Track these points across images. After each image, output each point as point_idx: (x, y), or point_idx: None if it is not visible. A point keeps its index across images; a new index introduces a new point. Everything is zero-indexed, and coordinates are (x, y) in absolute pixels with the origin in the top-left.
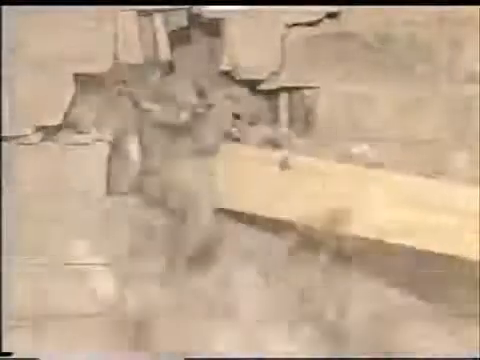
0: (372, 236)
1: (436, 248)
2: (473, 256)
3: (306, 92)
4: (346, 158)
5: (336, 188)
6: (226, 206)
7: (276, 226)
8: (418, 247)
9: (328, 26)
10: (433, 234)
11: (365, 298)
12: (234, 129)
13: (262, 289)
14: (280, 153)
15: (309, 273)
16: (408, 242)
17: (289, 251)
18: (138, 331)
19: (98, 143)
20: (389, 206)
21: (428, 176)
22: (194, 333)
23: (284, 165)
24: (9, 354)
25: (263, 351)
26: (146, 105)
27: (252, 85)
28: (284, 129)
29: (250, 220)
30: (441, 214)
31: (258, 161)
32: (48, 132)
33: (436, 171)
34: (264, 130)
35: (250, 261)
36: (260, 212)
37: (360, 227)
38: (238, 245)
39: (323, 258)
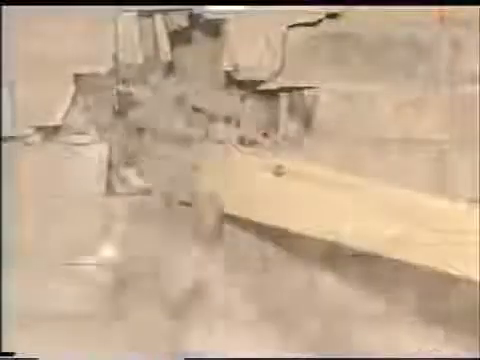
0: (365, 248)
1: (432, 264)
2: (472, 275)
3: (306, 92)
4: (345, 160)
5: (330, 196)
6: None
7: (270, 231)
8: (413, 262)
9: (328, 26)
10: (429, 250)
11: (354, 303)
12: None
13: (255, 291)
14: (275, 160)
15: (298, 277)
16: (402, 256)
17: (281, 255)
18: (137, 331)
19: (98, 143)
20: (384, 219)
21: (427, 189)
22: (191, 333)
23: (278, 172)
24: (9, 354)
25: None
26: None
27: (252, 85)
28: (284, 129)
29: (246, 224)
30: (439, 230)
31: (254, 166)
32: (48, 132)
33: (436, 172)
34: (264, 131)
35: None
36: (254, 218)
37: (353, 238)
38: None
39: (312, 263)
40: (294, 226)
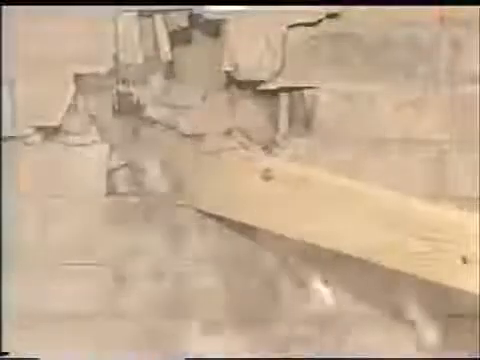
0: (357, 254)
1: (424, 273)
2: (466, 285)
3: (306, 92)
4: (345, 160)
5: (323, 200)
6: (214, 212)
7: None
8: (404, 270)
9: (328, 26)
10: (421, 258)
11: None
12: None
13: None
14: (263, 163)
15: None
16: (394, 265)
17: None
18: (137, 331)
19: (98, 143)
20: (377, 225)
21: (426, 189)
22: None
23: (266, 176)
24: (4, 354)
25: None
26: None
27: (252, 86)
28: (284, 129)
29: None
30: (432, 238)
31: (246, 169)
32: (48, 132)
33: (436, 172)
34: (263, 131)
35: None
36: (244, 220)
37: (345, 244)
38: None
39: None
40: (287, 231)
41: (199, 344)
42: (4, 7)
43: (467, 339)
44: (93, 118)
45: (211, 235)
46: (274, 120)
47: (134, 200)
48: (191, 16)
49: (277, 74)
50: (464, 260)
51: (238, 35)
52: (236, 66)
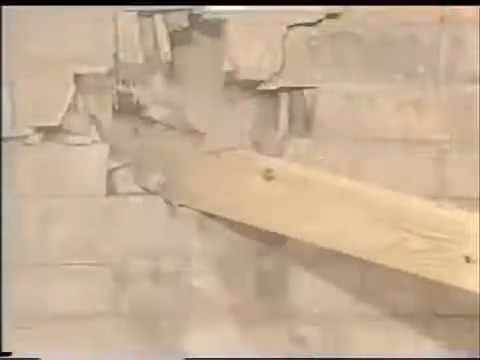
0: (357, 254)
1: (425, 272)
2: (467, 284)
3: (306, 92)
4: (345, 160)
5: (325, 201)
6: (214, 212)
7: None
8: (406, 270)
9: (328, 26)
10: (422, 257)
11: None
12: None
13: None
14: (264, 163)
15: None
16: (395, 264)
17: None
18: (137, 331)
19: (98, 143)
20: (374, 224)
21: (426, 189)
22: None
23: (267, 176)
24: (7, 354)
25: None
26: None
27: (252, 86)
28: (284, 129)
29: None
30: (433, 237)
31: (245, 170)
32: (48, 132)
33: (436, 172)
34: (263, 131)
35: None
36: (244, 220)
37: (341, 243)
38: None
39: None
40: (288, 231)
41: (199, 344)
42: (4, 7)
43: (467, 339)
44: (93, 118)
45: (211, 235)
46: (274, 120)
47: (134, 200)
48: (191, 16)
49: (277, 74)
50: (467, 259)
51: (238, 35)
52: (236, 66)
